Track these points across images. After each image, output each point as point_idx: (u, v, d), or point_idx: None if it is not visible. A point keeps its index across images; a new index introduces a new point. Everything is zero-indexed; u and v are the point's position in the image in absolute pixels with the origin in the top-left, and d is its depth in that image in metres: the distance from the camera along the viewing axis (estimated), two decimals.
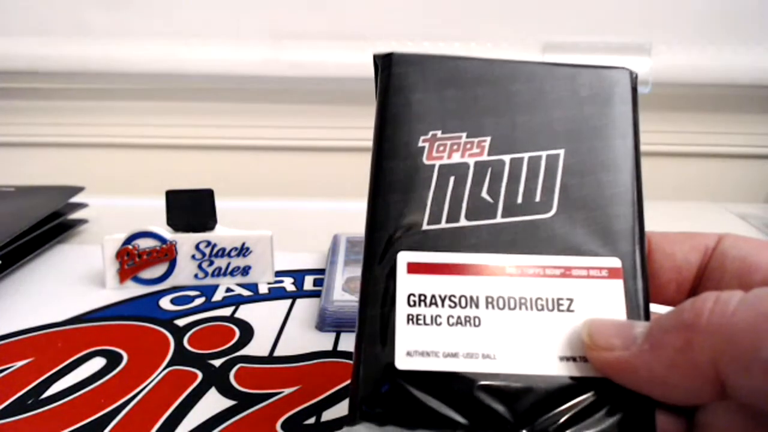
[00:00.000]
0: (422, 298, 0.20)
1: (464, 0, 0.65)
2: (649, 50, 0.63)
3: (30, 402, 0.30)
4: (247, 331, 0.37)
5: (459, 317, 0.20)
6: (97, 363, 0.33)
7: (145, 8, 0.66)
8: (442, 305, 0.20)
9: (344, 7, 0.65)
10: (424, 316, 0.20)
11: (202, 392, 0.31)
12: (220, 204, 0.42)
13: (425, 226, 0.21)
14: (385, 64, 0.23)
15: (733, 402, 0.18)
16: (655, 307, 0.21)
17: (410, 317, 0.20)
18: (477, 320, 0.20)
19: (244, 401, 0.30)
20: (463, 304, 0.20)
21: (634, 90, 0.23)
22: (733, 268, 0.21)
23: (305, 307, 0.40)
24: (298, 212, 0.61)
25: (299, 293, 0.42)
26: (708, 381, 0.17)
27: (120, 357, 0.34)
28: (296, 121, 0.71)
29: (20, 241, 0.44)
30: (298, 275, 0.45)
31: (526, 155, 0.22)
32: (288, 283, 0.43)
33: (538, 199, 0.21)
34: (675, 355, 0.17)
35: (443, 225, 0.21)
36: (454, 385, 0.19)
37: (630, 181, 0.22)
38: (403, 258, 0.20)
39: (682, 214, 0.60)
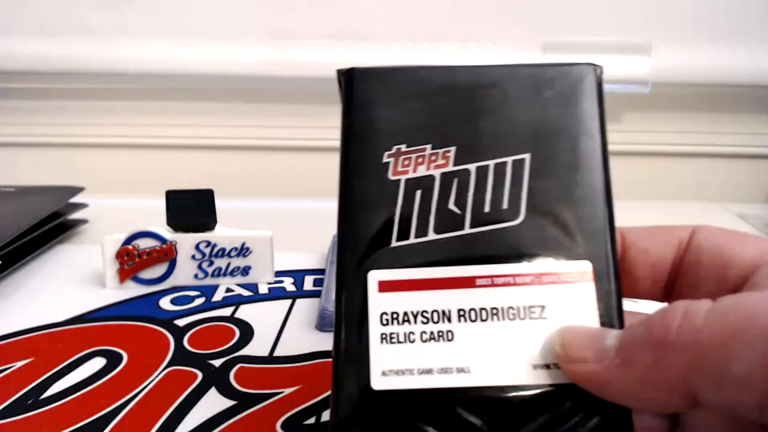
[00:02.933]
0: (395, 316, 0.20)
1: (464, 0, 0.65)
2: (649, 50, 0.63)
3: (30, 402, 0.30)
4: (247, 331, 0.37)
5: (432, 333, 0.20)
6: (97, 363, 0.33)
7: (145, 8, 0.66)
8: (415, 322, 0.20)
9: (344, 7, 0.65)
10: (398, 335, 0.20)
11: (202, 392, 0.31)
12: (220, 204, 0.42)
13: (394, 243, 0.21)
14: (347, 79, 0.22)
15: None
16: (630, 305, 0.21)
17: (384, 336, 0.20)
18: (450, 334, 0.20)
19: (244, 401, 0.30)
20: (435, 319, 0.20)
21: (600, 86, 0.22)
22: (709, 262, 0.21)
23: (305, 307, 0.40)
24: (298, 212, 0.61)
25: (299, 293, 0.42)
26: (680, 394, 0.17)
27: (120, 357, 0.34)
28: (296, 121, 0.70)
29: (20, 241, 0.44)
30: (298, 275, 0.45)
31: (491, 162, 0.21)
32: (288, 283, 0.43)
33: (505, 206, 0.21)
34: (646, 370, 0.17)
35: (412, 240, 0.21)
36: (431, 402, 0.19)
37: (599, 180, 0.21)
38: (374, 277, 0.20)
39: (682, 214, 0.60)
